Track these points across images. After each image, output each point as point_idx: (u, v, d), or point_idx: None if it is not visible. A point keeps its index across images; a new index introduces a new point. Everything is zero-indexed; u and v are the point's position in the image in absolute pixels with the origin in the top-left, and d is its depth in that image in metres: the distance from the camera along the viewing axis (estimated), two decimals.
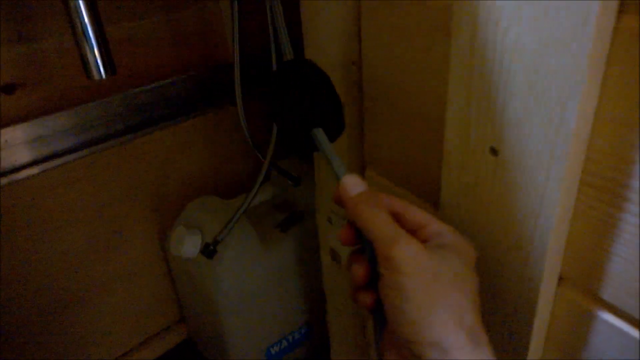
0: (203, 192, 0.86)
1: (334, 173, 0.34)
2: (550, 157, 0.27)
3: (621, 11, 0.24)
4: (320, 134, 0.37)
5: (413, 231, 0.29)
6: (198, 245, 0.74)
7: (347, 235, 0.32)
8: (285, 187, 0.85)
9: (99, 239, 0.78)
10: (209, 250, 0.69)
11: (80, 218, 0.75)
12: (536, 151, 0.28)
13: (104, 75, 0.45)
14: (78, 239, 0.75)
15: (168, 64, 0.80)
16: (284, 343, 0.86)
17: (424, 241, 0.29)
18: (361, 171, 0.52)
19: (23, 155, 0.68)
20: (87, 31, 0.42)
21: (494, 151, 0.31)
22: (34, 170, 0.69)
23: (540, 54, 0.26)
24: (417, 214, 0.30)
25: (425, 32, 0.35)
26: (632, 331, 0.29)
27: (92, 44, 0.42)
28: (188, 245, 0.73)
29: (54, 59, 0.68)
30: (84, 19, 0.41)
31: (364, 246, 0.32)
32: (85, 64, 0.43)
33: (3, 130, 0.65)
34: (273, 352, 0.84)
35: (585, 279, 0.31)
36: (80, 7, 0.41)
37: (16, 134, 0.67)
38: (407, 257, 0.27)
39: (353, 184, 0.32)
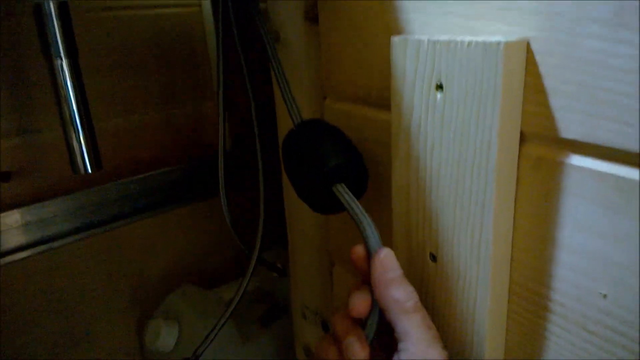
0: (186, 280, 0.86)
1: (361, 234, 0.31)
2: (477, 266, 0.29)
3: (523, 140, 0.27)
4: (343, 190, 0.34)
5: None
6: (174, 338, 0.73)
7: (365, 306, 0.30)
8: (268, 279, 0.85)
9: (77, 327, 0.77)
10: None
11: (59, 305, 0.75)
12: (466, 260, 0.30)
13: (89, 171, 0.48)
14: (55, 326, 0.75)
15: (161, 155, 0.84)
16: None
17: None
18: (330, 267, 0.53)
19: (11, 241, 0.70)
20: (77, 126, 0.46)
21: (433, 257, 0.33)
22: (21, 255, 0.71)
23: (459, 173, 0.28)
24: None
25: (378, 144, 0.39)
26: None
27: (80, 138, 0.47)
28: (163, 339, 0.72)
29: (49, 150, 0.72)
30: (74, 115, 0.46)
31: (370, 322, 0.31)
32: (72, 159, 0.47)
33: None
34: None
35: None
36: (73, 109, 0.46)
37: (7, 219, 0.69)
38: None
39: (391, 265, 0.30)
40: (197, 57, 0.84)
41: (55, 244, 0.73)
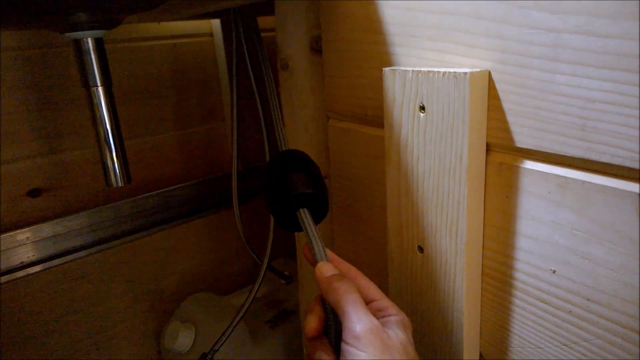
0: (200, 288, 0.93)
1: (311, 251, 0.37)
2: (455, 254, 0.35)
3: (488, 150, 0.34)
4: (305, 214, 0.39)
5: (366, 303, 0.35)
6: (191, 339, 0.79)
7: (315, 322, 0.35)
8: (277, 285, 0.91)
9: (96, 332, 0.83)
10: None
11: (81, 311, 0.81)
12: (447, 250, 0.36)
13: (120, 184, 0.55)
14: (76, 331, 0.81)
15: (176, 172, 0.91)
16: None
17: (373, 315, 0.34)
18: None
19: (39, 252, 0.77)
20: (110, 145, 0.53)
21: (420, 249, 0.39)
22: (46, 265, 0.77)
23: (439, 178, 0.35)
24: (369, 289, 0.36)
25: (373, 156, 0.46)
26: None
27: (113, 156, 0.53)
28: (181, 339, 0.78)
29: (75, 169, 0.79)
30: (108, 136, 0.53)
31: (328, 325, 0.35)
32: (105, 174, 0.54)
33: (27, 229, 0.74)
34: None
35: (498, 356, 0.37)
36: (107, 129, 0.53)
37: (36, 232, 0.76)
38: (367, 332, 0.31)
39: (327, 268, 0.35)
40: (208, 83, 0.92)
41: (81, 254, 0.79)
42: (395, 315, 0.35)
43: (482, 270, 0.37)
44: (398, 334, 0.33)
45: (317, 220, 0.41)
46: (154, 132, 0.87)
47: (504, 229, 0.34)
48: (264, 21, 0.67)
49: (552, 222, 0.31)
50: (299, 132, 0.56)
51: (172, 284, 0.91)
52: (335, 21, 0.46)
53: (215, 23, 0.87)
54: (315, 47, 0.52)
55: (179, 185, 0.90)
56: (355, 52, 0.44)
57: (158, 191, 0.88)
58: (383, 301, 0.36)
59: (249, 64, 0.63)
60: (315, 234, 0.38)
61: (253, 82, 0.63)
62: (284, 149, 0.48)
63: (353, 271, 0.38)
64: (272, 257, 0.91)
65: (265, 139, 0.74)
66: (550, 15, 0.29)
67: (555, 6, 0.28)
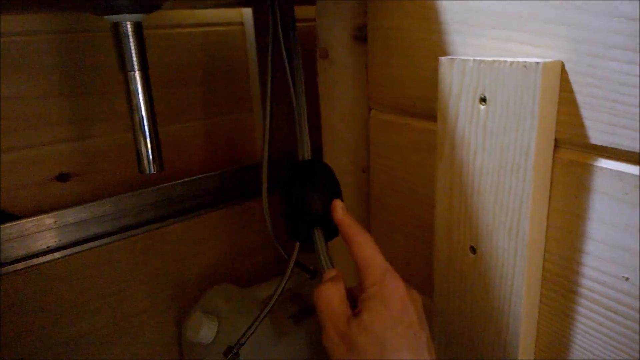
0: (222, 280, 0.92)
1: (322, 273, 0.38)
2: (514, 256, 0.33)
3: (557, 146, 0.32)
4: (319, 235, 0.39)
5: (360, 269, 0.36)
6: (214, 331, 0.78)
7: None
8: (300, 279, 0.90)
9: (116, 322, 0.83)
10: (232, 354, 0.68)
11: (103, 298, 0.80)
12: (504, 251, 0.34)
13: (153, 171, 0.54)
14: (98, 317, 0.80)
15: (201, 161, 0.90)
16: None
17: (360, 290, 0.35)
18: None
19: (64, 237, 0.76)
20: (145, 131, 0.52)
21: (473, 250, 0.37)
22: (70, 251, 0.76)
23: (499, 175, 0.33)
24: (364, 254, 0.36)
25: (418, 150, 0.44)
26: None
27: (147, 142, 0.52)
28: (204, 331, 0.77)
29: (104, 154, 0.79)
30: (143, 122, 0.52)
31: None
32: (139, 160, 0.53)
33: (53, 214, 0.74)
34: None
35: None
36: (142, 115, 0.52)
37: (61, 217, 0.75)
38: (327, 341, 0.35)
39: (328, 274, 0.39)
40: (237, 73, 0.90)
41: (105, 240, 0.78)
42: (367, 289, 0.35)
43: (542, 275, 0.35)
44: (361, 319, 0.33)
45: (331, 236, 0.41)
46: (181, 120, 0.86)
47: (571, 231, 0.32)
48: (298, 11, 0.65)
49: (627, 225, 0.29)
50: (336, 123, 0.54)
51: (195, 274, 0.90)
52: (385, 8, 0.44)
53: (247, 12, 0.86)
54: (359, 36, 0.50)
55: (204, 174, 0.89)
56: (405, 41, 0.42)
57: (183, 180, 0.87)
58: (365, 282, 0.35)
59: (284, 56, 0.61)
60: (326, 257, 0.39)
61: (289, 75, 0.61)
62: (305, 156, 0.46)
63: (359, 238, 0.37)
64: (299, 251, 0.90)
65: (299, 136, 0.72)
66: (633, 2, 0.26)
67: None
